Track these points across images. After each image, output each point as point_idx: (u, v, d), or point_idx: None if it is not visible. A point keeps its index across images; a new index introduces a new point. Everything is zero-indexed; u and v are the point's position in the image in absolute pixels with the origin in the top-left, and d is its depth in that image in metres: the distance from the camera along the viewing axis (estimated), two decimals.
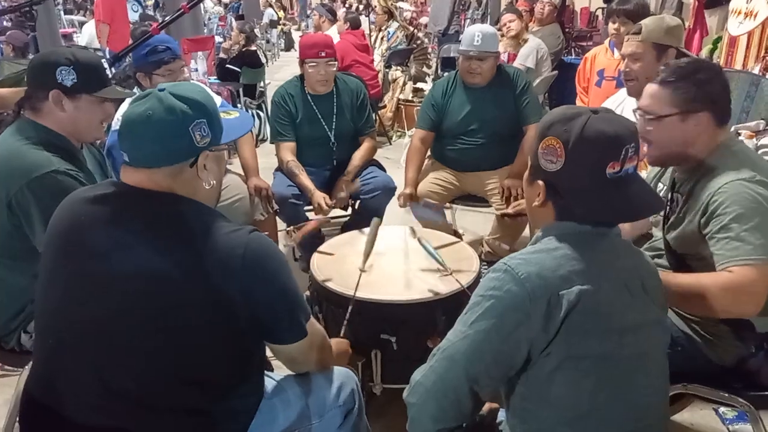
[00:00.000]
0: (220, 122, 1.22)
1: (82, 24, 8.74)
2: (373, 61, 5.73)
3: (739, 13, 3.70)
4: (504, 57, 4.02)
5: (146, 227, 1.13)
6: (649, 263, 1.23)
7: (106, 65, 1.79)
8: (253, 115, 5.72)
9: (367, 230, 2.11)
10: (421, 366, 1.17)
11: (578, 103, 3.37)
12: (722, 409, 2.05)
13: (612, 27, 3.14)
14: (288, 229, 2.38)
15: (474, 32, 2.77)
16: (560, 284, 1.04)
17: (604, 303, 1.07)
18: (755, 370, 1.56)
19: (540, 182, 1.15)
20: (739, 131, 2.94)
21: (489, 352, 1.08)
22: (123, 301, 1.10)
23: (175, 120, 1.13)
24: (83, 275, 1.13)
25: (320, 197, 2.70)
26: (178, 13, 2.87)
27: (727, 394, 1.55)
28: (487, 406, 1.29)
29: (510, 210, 2.25)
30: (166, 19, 3.25)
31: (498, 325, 1.06)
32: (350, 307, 1.76)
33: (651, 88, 1.53)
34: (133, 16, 7.44)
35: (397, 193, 2.87)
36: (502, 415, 1.29)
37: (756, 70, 3.49)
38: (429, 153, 3.00)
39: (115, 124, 1.81)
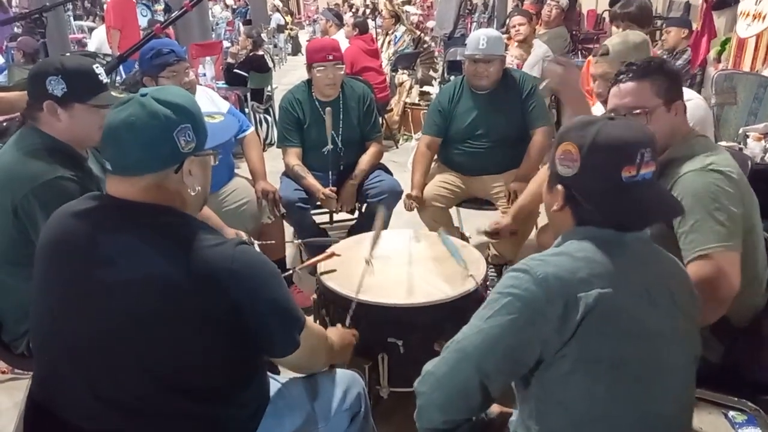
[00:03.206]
0: (204, 126, 1.19)
1: (91, 30, 8.79)
2: (381, 65, 5.75)
3: (748, 15, 3.69)
4: (513, 66, 3.98)
5: (132, 240, 1.10)
6: (684, 274, 1.21)
7: (100, 70, 1.67)
8: (261, 120, 5.75)
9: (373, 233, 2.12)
10: (435, 358, 1.17)
11: None
12: (732, 413, 2.03)
13: (617, 31, 3.14)
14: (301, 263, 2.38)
15: (479, 36, 2.78)
16: (579, 286, 1.04)
17: (624, 308, 1.06)
18: (737, 365, 1.55)
19: (559, 187, 1.16)
20: (748, 133, 2.93)
21: (501, 347, 1.08)
22: (112, 311, 1.08)
23: (158, 125, 1.10)
24: (72, 288, 1.12)
25: (326, 189, 2.74)
26: (182, 11, 2.88)
27: (736, 398, 1.54)
28: (498, 409, 1.29)
29: (488, 229, 2.36)
30: (171, 16, 3.26)
31: (513, 322, 1.06)
32: (351, 310, 1.76)
33: (627, 85, 1.57)
34: (143, 21, 7.51)
35: (403, 196, 2.87)
36: (513, 416, 1.28)
37: (765, 73, 3.47)
38: (435, 156, 3.01)
39: None
